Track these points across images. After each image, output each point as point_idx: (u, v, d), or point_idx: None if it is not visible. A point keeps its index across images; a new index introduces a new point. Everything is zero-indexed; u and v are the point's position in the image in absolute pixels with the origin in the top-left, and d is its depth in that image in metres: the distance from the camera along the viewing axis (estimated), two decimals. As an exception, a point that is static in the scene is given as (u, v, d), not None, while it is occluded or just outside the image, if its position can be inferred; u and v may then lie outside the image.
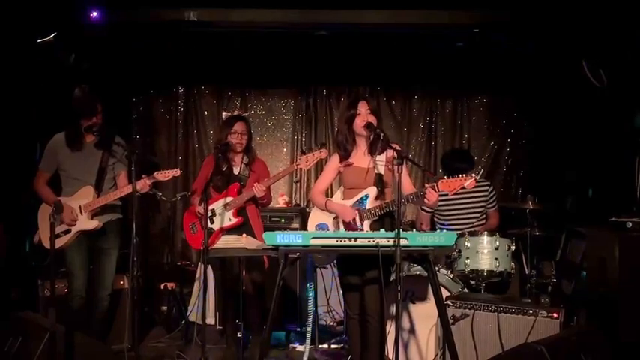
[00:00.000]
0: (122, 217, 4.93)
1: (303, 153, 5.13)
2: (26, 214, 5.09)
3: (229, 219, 4.92)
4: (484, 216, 5.69)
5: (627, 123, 5.37)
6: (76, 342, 3.89)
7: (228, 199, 4.92)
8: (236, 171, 5.03)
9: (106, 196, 4.73)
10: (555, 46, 5.91)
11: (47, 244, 4.69)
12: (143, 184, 4.57)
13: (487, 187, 5.69)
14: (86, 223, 4.72)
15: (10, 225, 5.16)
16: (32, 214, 4.91)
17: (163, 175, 4.72)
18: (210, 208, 4.88)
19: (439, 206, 5.60)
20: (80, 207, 4.70)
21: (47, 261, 4.99)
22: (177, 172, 4.76)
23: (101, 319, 4.87)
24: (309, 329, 4.42)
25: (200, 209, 4.85)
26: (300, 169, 4.83)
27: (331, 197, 4.59)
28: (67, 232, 4.70)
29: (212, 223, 4.92)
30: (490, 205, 5.69)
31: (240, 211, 4.94)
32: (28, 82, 5.47)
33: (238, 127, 4.99)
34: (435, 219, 5.80)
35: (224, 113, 5.28)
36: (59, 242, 4.63)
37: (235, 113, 5.24)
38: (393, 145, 4.01)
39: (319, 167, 4.85)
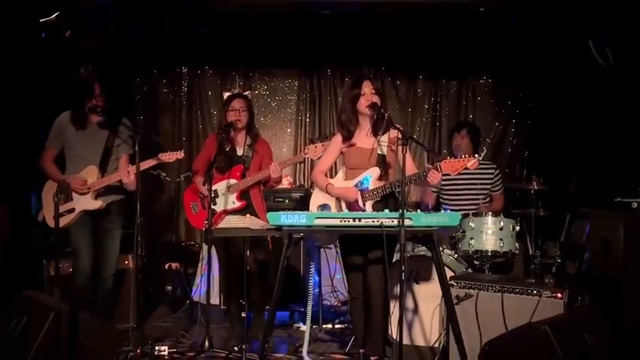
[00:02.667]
0: (125, 197, 4.93)
1: (311, 142, 5.13)
2: (32, 194, 5.11)
3: (233, 202, 4.93)
4: (489, 198, 5.68)
5: (633, 103, 5.33)
6: (81, 321, 3.90)
7: (232, 181, 4.91)
8: (239, 152, 5.02)
9: (109, 176, 4.73)
10: (561, 25, 5.86)
11: (51, 223, 4.70)
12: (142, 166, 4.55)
13: (493, 170, 5.67)
14: (90, 203, 4.72)
15: (15, 205, 5.17)
16: (38, 193, 4.93)
17: (167, 157, 4.72)
18: (214, 188, 4.88)
19: (444, 187, 5.60)
20: (87, 182, 4.71)
21: (51, 239, 5.01)
22: (180, 155, 4.76)
23: (105, 298, 4.90)
24: (309, 309, 4.44)
25: (203, 189, 4.84)
26: (309, 158, 4.83)
27: (334, 177, 4.59)
28: (71, 211, 4.71)
29: (215, 204, 4.92)
30: (495, 188, 5.67)
31: (243, 194, 4.93)
32: (32, 61, 5.44)
33: (236, 103, 4.97)
34: (440, 199, 5.79)
35: (225, 93, 5.26)
36: (62, 221, 4.63)
37: (235, 92, 5.20)
38: (397, 126, 4.00)
39: (323, 148, 4.85)
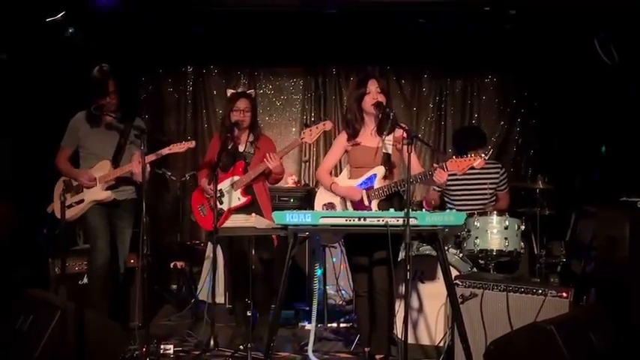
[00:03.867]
0: (137, 197, 4.96)
1: (306, 126, 5.08)
2: (42, 194, 5.13)
3: (238, 198, 4.91)
4: (494, 197, 5.67)
5: (638, 102, 5.33)
6: (87, 320, 3.91)
7: (235, 178, 4.92)
8: (241, 148, 5.01)
9: (120, 168, 4.78)
10: (566, 24, 5.85)
11: (59, 215, 4.74)
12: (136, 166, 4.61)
13: (498, 170, 5.66)
14: (99, 194, 4.79)
15: (21, 204, 5.19)
16: (48, 192, 4.98)
17: (179, 147, 4.73)
18: (218, 187, 4.88)
19: (449, 186, 5.59)
20: (96, 178, 4.78)
21: (56, 231, 5.03)
22: (192, 144, 4.77)
23: (114, 296, 4.91)
24: (314, 308, 4.44)
25: (209, 189, 4.86)
26: (305, 142, 4.80)
27: (338, 175, 4.60)
28: (80, 202, 4.78)
29: (221, 203, 4.93)
30: (501, 187, 5.66)
31: (247, 190, 4.93)
32: (41, 60, 5.46)
33: (241, 103, 4.95)
34: (445, 199, 5.79)
35: (229, 91, 5.24)
36: (72, 212, 4.76)
37: (240, 90, 5.20)
38: (402, 125, 4.00)
39: (328, 146, 4.84)
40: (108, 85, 4.76)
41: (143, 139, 4.32)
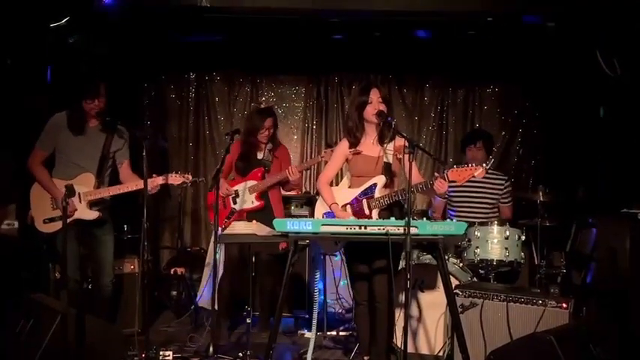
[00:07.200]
0: (110, 202, 4.83)
1: (329, 146, 5.52)
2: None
3: (251, 202, 5.20)
4: (496, 209, 5.65)
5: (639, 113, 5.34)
6: (87, 325, 3.91)
7: (251, 182, 5.20)
8: (260, 156, 5.31)
9: (110, 188, 4.66)
10: (568, 35, 5.87)
11: (40, 227, 4.65)
12: (152, 185, 4.50)
13: (503, 182, 5.62)
14: (86, 213, 4.62)
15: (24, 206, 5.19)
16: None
17: (174, 179, 4.69)
18: (234, 188, 5.27)
19: (453, 195, 5.60)
20: (79, 194, 4.59)
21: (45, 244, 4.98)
22: (188, 178, 4.74)
23: (107, 304, 4.85)
24: (314, 316, 4.44)
25: (227, 187, 5.25)
26: (325, 161, 5.00)
27: (339, 182, 4.62)
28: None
29: (235, 203, 5.25)
30: (504, 200, 5.64)
31: (262, 195, 5.21)
32: (43, 66, 5.47)
33: (267, 123, 5.27)
34: (448, 207, 5.79)
35: (254, 105, 5.56)
36: (54, 227, 4.58)
37: (263, 106, 5.42)
38: (403, 134, 4.01)
39: (329, 153, 4.97)
40: (99, 87, 4.62)
41: (145, 146, 4.28)
